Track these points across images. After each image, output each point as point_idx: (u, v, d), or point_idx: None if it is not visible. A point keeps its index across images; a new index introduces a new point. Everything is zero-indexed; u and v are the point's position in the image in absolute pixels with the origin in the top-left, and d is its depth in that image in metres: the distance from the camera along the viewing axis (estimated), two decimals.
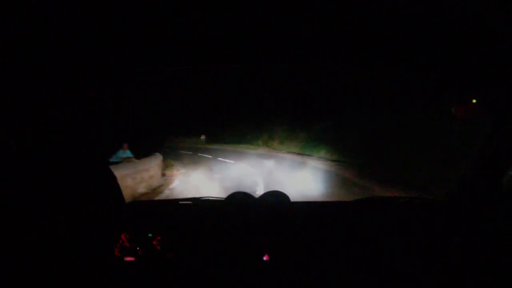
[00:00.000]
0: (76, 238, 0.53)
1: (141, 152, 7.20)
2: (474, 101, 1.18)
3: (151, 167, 7.01)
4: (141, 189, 6.32)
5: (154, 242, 1.24)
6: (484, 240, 1.16)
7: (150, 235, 1.24)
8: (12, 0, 0.76)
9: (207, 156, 14.70)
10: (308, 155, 13.80)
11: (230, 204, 1.44)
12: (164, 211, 1.49)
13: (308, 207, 1.55)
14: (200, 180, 7.65)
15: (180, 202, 1.51)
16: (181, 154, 15.21)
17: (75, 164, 0.57)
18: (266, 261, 1.22)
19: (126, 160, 6.68)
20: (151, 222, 1.32)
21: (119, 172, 5.44)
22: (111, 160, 6.39)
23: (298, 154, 14.63)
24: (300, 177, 8.16)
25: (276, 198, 1.46)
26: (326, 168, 10.29)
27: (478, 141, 1.25)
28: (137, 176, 6.23)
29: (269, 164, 11.06)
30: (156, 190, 6.74)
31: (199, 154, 15.80)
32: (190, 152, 16.38)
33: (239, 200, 1.45)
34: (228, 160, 12.60)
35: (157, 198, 6.03)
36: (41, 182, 0.51)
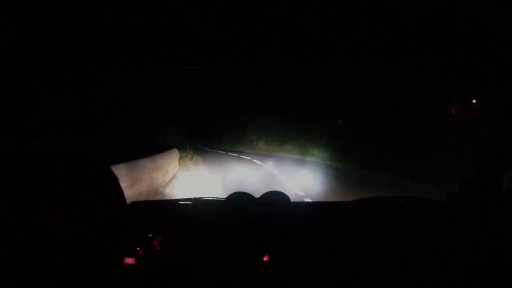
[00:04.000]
0: (76, 239, 0.53)
1: None
2: (474, 101, 1.18)
3: None
4: None
5: (154, 243, 1.24)
6: (484, 240, 1.16)
7: (150, 235, 1.24)
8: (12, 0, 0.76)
9: None
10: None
11: (230, 204, 1.44)
12: (164, 211, 1.49)
13: (308, 207, 1.55)
14: None
15: (180, 202, 1.51)
16: None
17: (74, 164, 0.57)
18: (266, 261, 1.22)
19: None
20: (151, 222, 1.32)
21: None
22: None
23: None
24: None
25: (276, 198, 1.46)
26: None
27: (478, 141, 1.25)
28: None
29: None
30: None
31: None
32: None
33: (239, 200, 1.45)
34: None
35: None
36: (40, 182, 0.51)
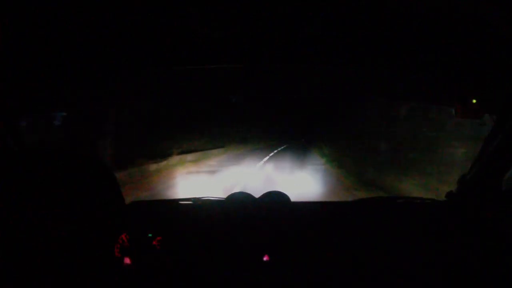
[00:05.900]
0: (76, 238, 0.53)
1: None
2: (474, 101, 1.18)
3: None
4: None
5: (154, 242, 1.24)
6: (484, 240, 1.16)
7: (150, 235, 1.24)
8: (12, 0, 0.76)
9: None
10: None
11: (230, 204, 1.44)
12: (164, 211, 1.49)
13: (308, 207, 1.55)
14: None
15: (180, 202, 1.51)
16: None
17: (73, 164, 0.57)
18: (266, 261, 1.22)
19: None
20: (151, 222, 1.32)
21: None
22: None
23: None
24: None
25: (276, 198, 1.46)
26: None
27: (478, 141, 1.25)
28: None
29: None
30: None
31: None
32: None
33: (239, 200, 1.45)
34: None
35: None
36: (39, 182, 0.51)
